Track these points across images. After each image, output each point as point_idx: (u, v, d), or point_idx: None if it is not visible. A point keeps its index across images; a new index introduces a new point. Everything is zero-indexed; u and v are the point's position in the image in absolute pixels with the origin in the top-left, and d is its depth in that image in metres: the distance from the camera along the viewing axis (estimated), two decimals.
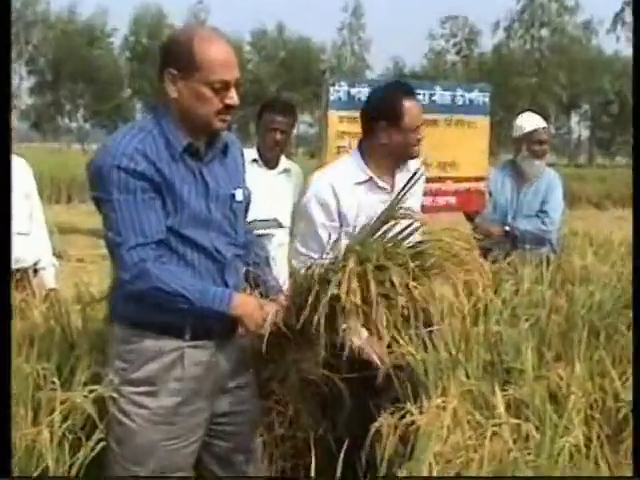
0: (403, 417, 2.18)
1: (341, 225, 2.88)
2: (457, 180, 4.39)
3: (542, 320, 2.80)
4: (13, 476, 2.06)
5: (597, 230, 5.66)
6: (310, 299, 2.15)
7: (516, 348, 2.55)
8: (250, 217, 2.58)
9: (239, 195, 2.38)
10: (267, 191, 3.66)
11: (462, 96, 4.33)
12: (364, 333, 2.37)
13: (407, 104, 2.89)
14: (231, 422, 2.44)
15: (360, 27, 61.53)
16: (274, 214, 3.88)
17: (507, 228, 4.51)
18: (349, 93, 3.92)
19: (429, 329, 2.45)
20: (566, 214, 4.78)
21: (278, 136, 3.90)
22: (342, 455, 2.02)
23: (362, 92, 3.81)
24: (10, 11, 2.28)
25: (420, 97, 4.04)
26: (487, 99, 4.43)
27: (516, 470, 1.97)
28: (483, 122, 4.45)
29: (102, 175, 2.15)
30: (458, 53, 60.17)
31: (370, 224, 2.32)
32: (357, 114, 3.08)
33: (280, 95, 46.14)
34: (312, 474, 1.95)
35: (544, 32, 54.69)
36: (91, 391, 2.25)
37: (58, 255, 3.75)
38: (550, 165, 4.79)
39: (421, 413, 2.17)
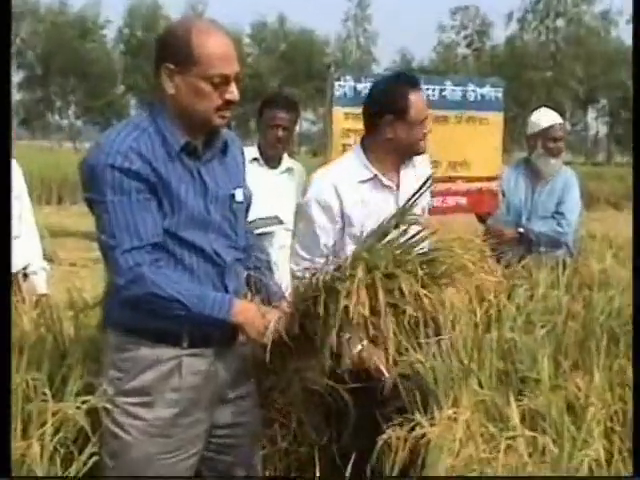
0: (413, 429, 2.18)
1: (344, 226, 2.88)
2: (468, 180, 4.39)
3: (558, 327, 2.80)
4: (13, 476, 2.07)
5: (616, 232, 5.66)
6: (317, 309, 2.15)
7: (531, 356, 2.54)
8: (250, 218, 2.59)
9: (239, 195, 2.38)
10: (269, 191, 3.65)
11: (474, 91, 4.34)
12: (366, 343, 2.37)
13: (412, 96, 2.89)
14: (231, 434, 2.43)
15: (366, 18, 61.67)
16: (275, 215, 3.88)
17: (521, 230, 4.51)
18: (355, 88, 3.93)
19: (439, 338, 2.45)
20: (583, 215, 4.78)
21: (280, 133, 3.90)
22: (349, 468, 2.02)
23: (368, 87, 3.81)
24: (10, 11, 2.29)
25: (429, 92, 4.06)
26: (500, 94, 4.43)
27: None
28: (496, 118, 4.45)
29: (95, 175, 2.15)
30: (469, 46, 60.24)
31: (378, 229, 2.32)
32: None
33: (282, 90, 46.17)
34: None
35: (560, 23, 54.76)
36: (84, 402, 2.25)
37: (49, 259, 3.75)
38: (566, 163, 4.79)
39: (432, 425, 2.16)
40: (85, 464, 2.19)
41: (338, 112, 3.91)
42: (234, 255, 2.36)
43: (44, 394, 2.24)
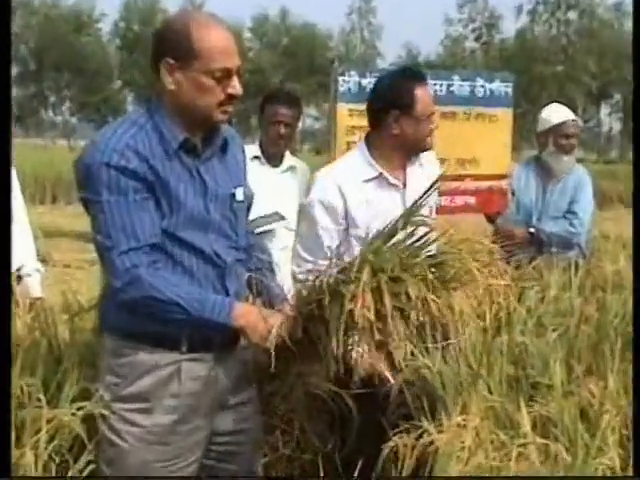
0: (420, 436, 2.18)
1: (348, 227, 2.88)
2: (477, 178, 4.39)
3: (571, 330, 2.80)
4: (13, 476, 2.07)
5: (630, 232, 5.64)
6: (321, 312, 2.15)
7: (543, 361, 2.54)
8: (251, 218, 2.59)
9: (239, 194, 2.38)
10: (270, 190, 3.65)
11: (482, 87, 4.34)
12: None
13: (418, 91, 2.90)
14: (232, 441, 2.44)
15: (370, 11, 61.71)
16: None
17: (532, 230, 4.50)
18: (359, 84, 3.93)
19: (447, 342, 2.45)
20: (596, 215, 4.77)
21: (282, 130, 3.89)
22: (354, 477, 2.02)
23: (373, 83, 3.82)
24: (10, 11, 2.30)
25: (437, 88, 4.07)
26: (509, 89, 4.43)
27: None
28: (505, 115, 4.45)
29: (90, 174, 2.15)
30: (477, 39, 60.20)
31: (384, 231, 2.32)
32: None
33: (284, 86, 46.19)
34: None
35: (571, 15, 54.73)
36: (80, 408, 2.26)
37: (42, 260, 3.75)
38: (578, 161, 4.79)
39: (440, 432, 2.16)
40: (81, 472, 2.19)
41: (342, 108, 3.92)
42: (235, 256, 2.36)
43: (38, 400, 2.24)
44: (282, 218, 3.87)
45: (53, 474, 2.16)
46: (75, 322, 2.81)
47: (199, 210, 2.26)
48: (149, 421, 2.26)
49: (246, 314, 2.24)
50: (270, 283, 2.48)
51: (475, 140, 4.30)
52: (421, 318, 2.17)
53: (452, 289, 2.28)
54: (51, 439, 2.20)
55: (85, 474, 2.20)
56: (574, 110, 5.01)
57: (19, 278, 3.48)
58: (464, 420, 2.19)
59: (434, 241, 2.32)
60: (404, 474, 2.12)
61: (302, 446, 2.70)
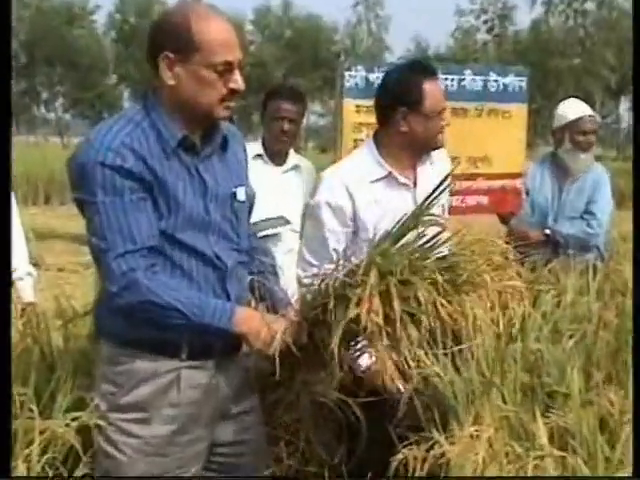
0: (431, 448, 2.18)
1: (356, 230, 2.88)
2: (489, 177, 4.39)
3: (589, 336, 2.80)
4: (13, 476, 2.07)
5: None
6: (326, 317, 2.15)
7: (559, 369, 2.54)
8: (254, 220, 2.59)
9: (241, 194, 2.39)
10: (273, 190, 3.66)
11: (495, 81, 4.34)
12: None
13: (428, 86, 2.89)
14: (233, 452, 2.44)
15: (377, 2, 61.63)
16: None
17: (547, 232, 4.50)
18: (367, 79, 3.93)
19: (459, 347, 2.44)
20: (615, 215, 4.76)
21: (286, 126, 3.88)
22: None
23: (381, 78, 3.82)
24: (10, 11, 2.31)
25: (448, 83, 4.07)
26: (524, 84, 4.43)
27: None
28: (519, 110, 4.45)
29: (85, 173, 2.15)
30: (490, 31, 60.10)
31: (392, 232, 2.31)
32: None
33: (287, 81, 46.22)
34: None
35: (589, 5, 54.58)
36: (74, 419, 2.26)
37: (35, 263, 3.76)
38: (596, 158, 4.78)
39: (451, 443, 2.16)
40: None
41: (349, 104, 3.92)
42: (236, 259, 2.36)
43: (31, 410, 2.25)
44: (287, 222, 3.86)
45: None
46: (69, 328, 2.81)
47: (199, 211, 2.26)
48: (147, 432, 2.26)
49: (248, 319, 2.24)
50: (273, 287, 2.48)
51: (487, 137, 4.30)
52: (432, 323, 2.17)
53: (464, 293, 2.27)
54: (44, 451, 2.20)
55: None
56: (592, 105, 5.01)
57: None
58: (477, 431, 2.19)
59: (445, 242, 2.32)
60: None
61: (307, 457, 2.70)
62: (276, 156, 3.97)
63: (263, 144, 3.96)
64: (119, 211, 2.15)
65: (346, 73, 3.92)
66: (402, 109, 2.89)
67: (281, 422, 2.68)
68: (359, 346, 2.34)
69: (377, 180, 2.93)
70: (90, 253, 2.24)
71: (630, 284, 3.35)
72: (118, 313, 2.22)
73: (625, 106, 62.08)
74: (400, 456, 2.22)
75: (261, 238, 2.84)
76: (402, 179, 2.95)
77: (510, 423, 2.31)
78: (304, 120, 4.34)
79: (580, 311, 3.06)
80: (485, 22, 59.92)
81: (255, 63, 51.80)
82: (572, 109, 4.59)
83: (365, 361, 2.65)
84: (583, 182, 4.58)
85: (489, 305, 2.30)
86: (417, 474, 2.14)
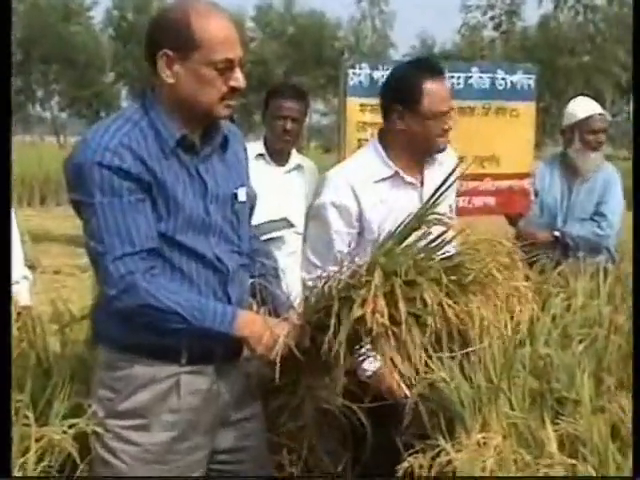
0: (437, 456, 2.18)
1: (361, 231, 2.88)
2: (497, 177, 4.39)
3: (599, 341, 2.79)
4: (13, 476, 2.08)
5: None
6: (330, 320, 2.14)
7: (569, 374, 2.53)
8: (256, 221, 2.59)
9: (242, 195, 2.39)
10: (275, 191, 3.66)
11: (503, 79, 4.34)
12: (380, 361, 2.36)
13: (428, 85, 2.86)
14: (234, 460, 2.44)
15: None
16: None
17: (556, 233, 4.50)
18: (371, 77, 3.94)
19: (465, 351, 2.44)
20: (626, 216, 4.75)
21: (289, 125, 3.88)
22: None
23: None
24: (10, 11, 2.31)
25: (454, 81, 4.07)
26: (532, 82, 4.44)
27: None
28: (528, 109, 4.45)
29: (82, 174, 2.15)
30: (497, 28, 60.03)
31: (397, 231, 2.31)
32: None
33: (289, 79, 46.21)
34: None
35: (599, 1, 54.56)
36: (71, 426, 2.26)
37: (30, 266, 3.76)
38: (607, 158, 4.78)
39: (458, 451, 2.16)
40: None
41: (353, 103, 3.92)
42: (237, 261, 2.37)
43: (26, 417, 2.24)
44: (291, 225, 3.85)
45: None
46: (66, 333, 2.81)
47: (199, 212, 2.26)
48: (146, 439, 2.26)
49: (250, 323, 2.24)
50: (276, 290, 2.48)
51: (495, 136, 4.30)
52: (438, 325, 2.16)
53: (471, 293, 2.27)
54: (40, 459, 2.19)
55: None
56: (602, 103, 5.01)
57: None
58: (484, 438, 2.18)
59: (450, 241, 2.31)
60: None
61: (310, 465, 2.70)
62: (278, 156, 3.97)
63: (265, 144, 3.96)
64: (117, 212, 2.15)
65: (350, 71, 3.92)
66: (399, 107, 2.88)
67: (284, 429, 2.68)
68: (363, 350, 2.34)
69: (383, 180, 2.92)
70: (87, 255, 2.24)
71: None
72: (116, 317, 2.23)
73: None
74: (406, 464, 2.21)
75: (264, 241, 2.84)
76: (409, 178, 2.94)
77: (518, 430, 2.30)
78: (307, 119, 4.33)
79: (591, 315, 3.05)
80: (492, 18, 59.79)
81: (256, 61, 51.77)
82: (582, 107, 4.59)
83: (370, 365, 2.65)
84: (593, 182, 4.57)
85: (497, 306, 2.30)
86: None
